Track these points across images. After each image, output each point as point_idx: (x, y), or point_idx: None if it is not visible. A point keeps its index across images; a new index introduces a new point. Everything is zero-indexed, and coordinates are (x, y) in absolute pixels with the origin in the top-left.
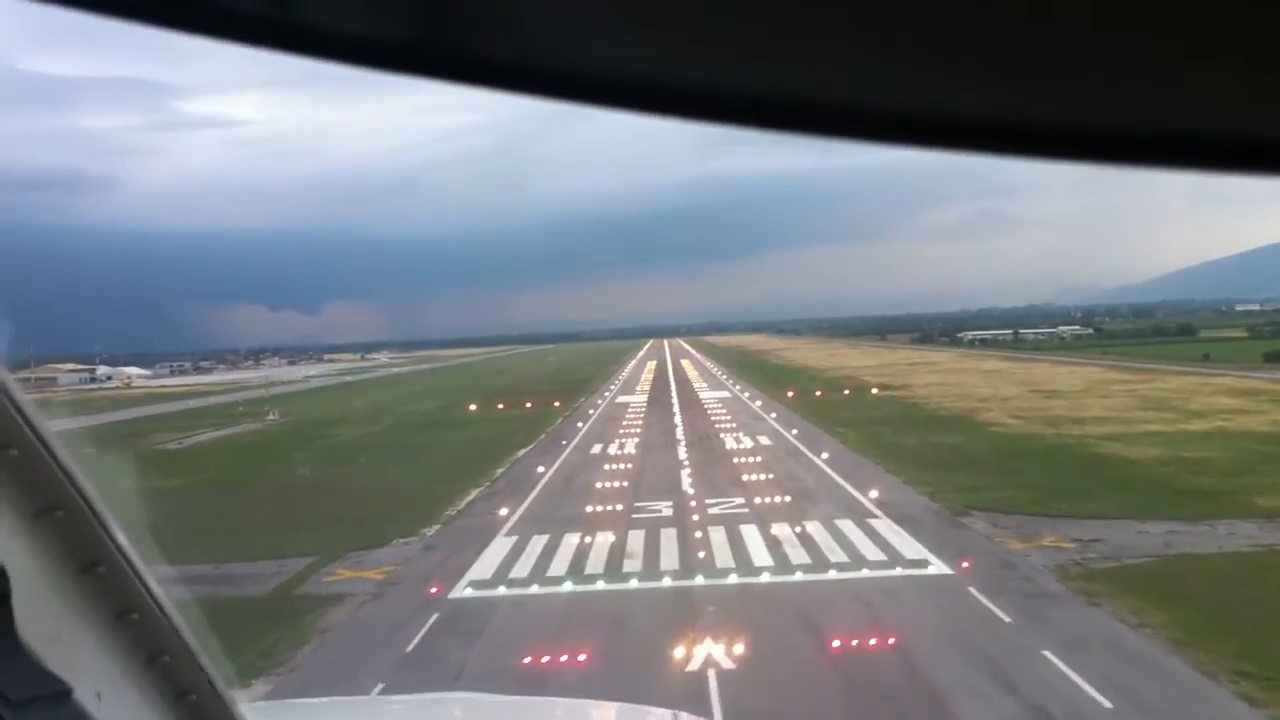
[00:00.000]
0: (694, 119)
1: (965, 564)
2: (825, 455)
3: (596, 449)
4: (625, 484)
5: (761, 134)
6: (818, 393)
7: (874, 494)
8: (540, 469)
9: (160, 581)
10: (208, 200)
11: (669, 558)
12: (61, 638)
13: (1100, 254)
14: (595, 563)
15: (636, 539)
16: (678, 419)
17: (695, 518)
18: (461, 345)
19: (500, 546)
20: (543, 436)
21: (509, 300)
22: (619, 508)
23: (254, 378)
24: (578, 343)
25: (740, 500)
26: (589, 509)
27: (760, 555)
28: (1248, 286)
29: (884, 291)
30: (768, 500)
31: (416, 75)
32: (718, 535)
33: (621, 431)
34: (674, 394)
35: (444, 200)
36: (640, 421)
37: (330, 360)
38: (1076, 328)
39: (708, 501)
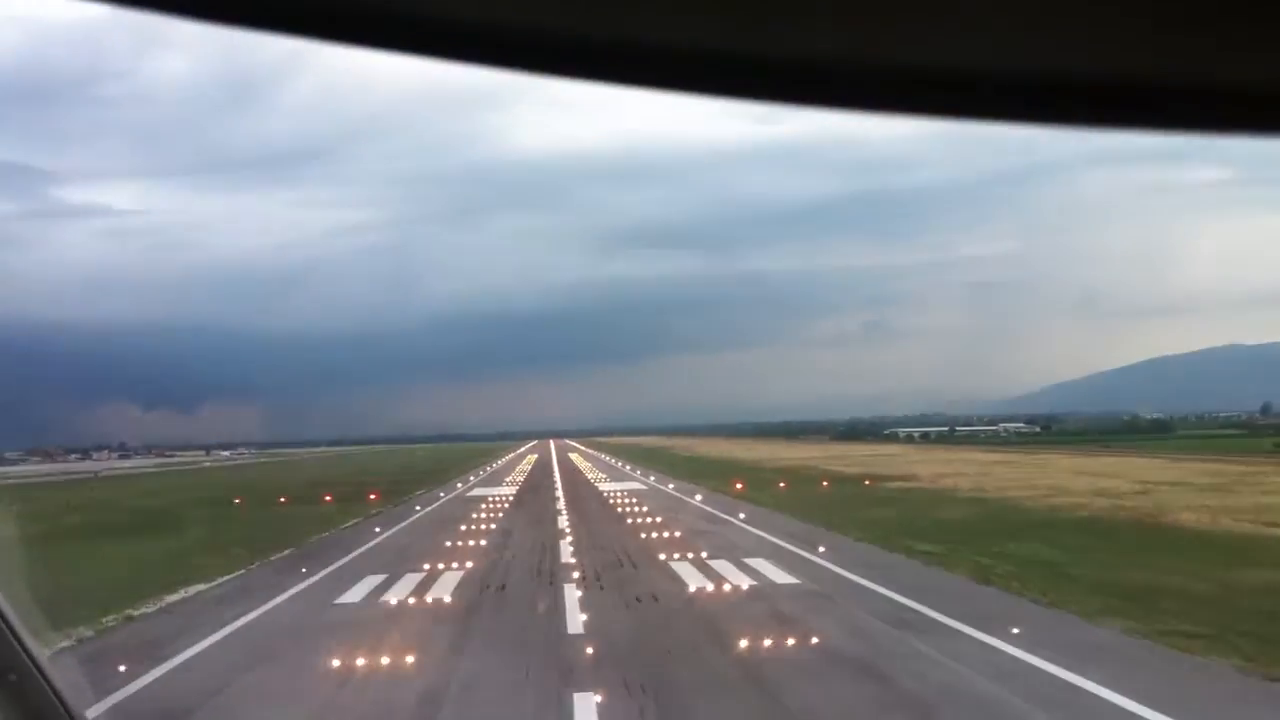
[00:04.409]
0: (676, 90)
1: None
2: (1012, 623)
3: (355, 593)
4: None
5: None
6: (781, 485)
7: None
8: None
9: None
10: (82, 292)
11: None
12: None
13: (984, 366)
14: None
15: None
16: (564, 521)
17: None
18: (341, 444)
19: None
20: (284, 553)
21: (395, 401)
22: None
23: (41, 470)
24: (460, 443)
25: None
26: None
27: None
28: (1131, 398)
29: (772, 399)
30: None
31: (382, 48)
32: None
33: (451, 545)
34: (559, 485)
35: (333, 298)
36: (496, 527)
37: (169, 455)
38: (1020, 425)
39: None
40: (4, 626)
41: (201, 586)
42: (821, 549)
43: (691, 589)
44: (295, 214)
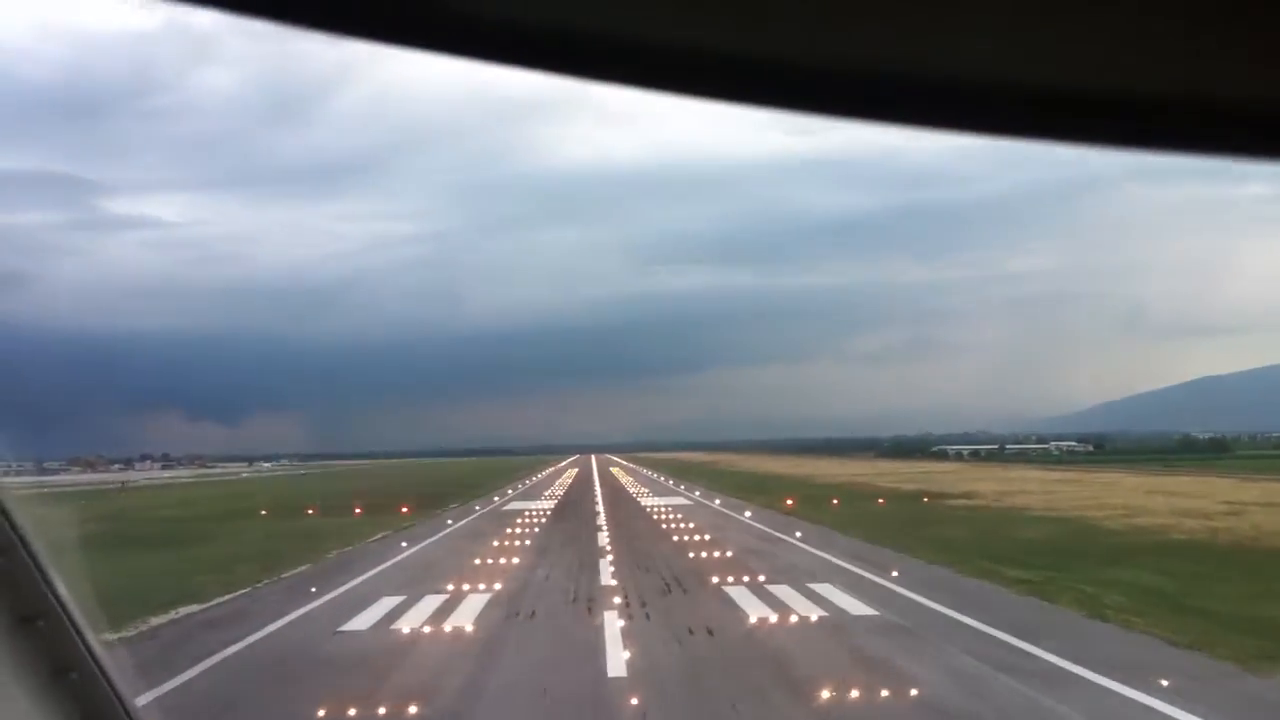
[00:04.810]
0: (698, 96)
1: None
2: None
3: (365, 618)
4: None
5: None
6: (834, 501)
7: None
8: None
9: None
10: (130, 302)
11: None
12: None
13: (1029, 384)
14: None
15: None
16: (605, 538)
17: None
18: (385, 457)
19: None
20: (297, 570)
21: (438, 414)
22: None
23: (76, 480)
24: (502, 457)
25: None
26: None
27: None
28: (1178, 418)
29: (814, 415)
30: None
31: (414, 47)
32: None
33: (480, 563)
34: (599, 499)
35: (376, 310)
36: (531, 544)
37: (210, 466)
38: (1072, 444)
39: None
40: (69, 624)
41: (195, 608)
42: (894, 573)
43: (752, 620)
44: (341, 226)
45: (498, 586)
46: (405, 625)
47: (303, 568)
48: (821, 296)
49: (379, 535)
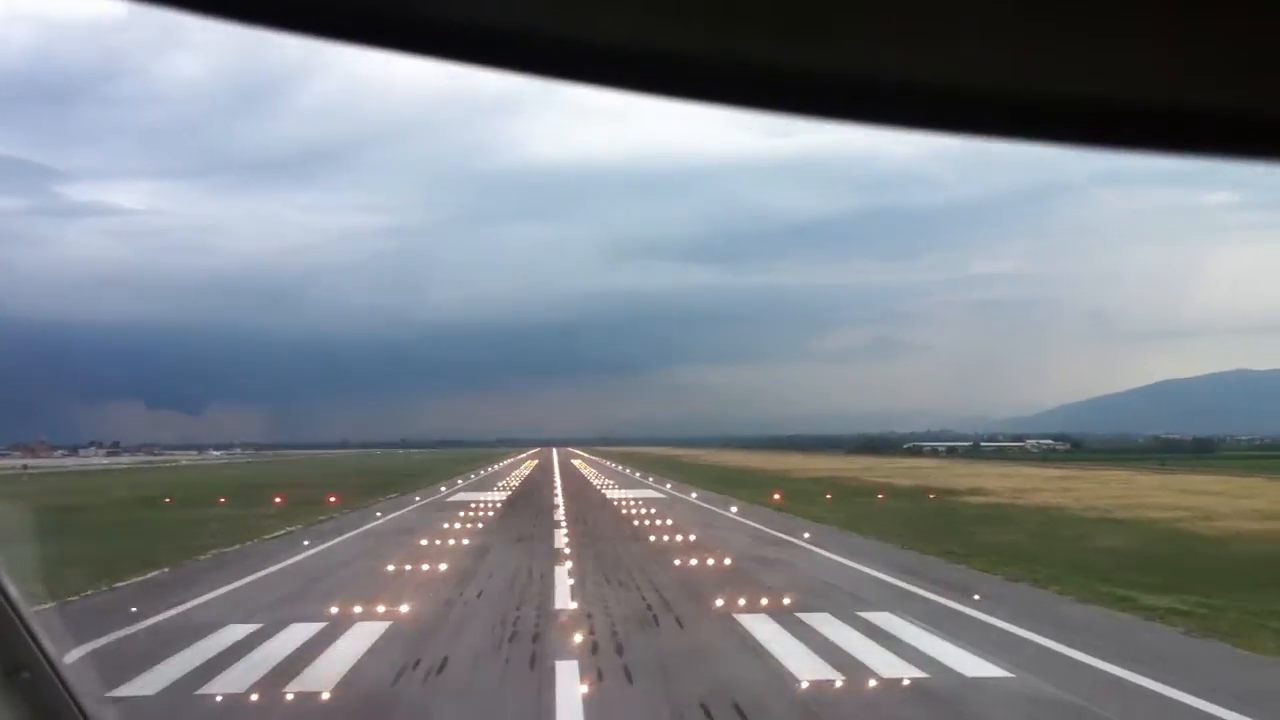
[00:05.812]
0: (678, 97)
1: None
2: None
3: (167, 669)
4: None
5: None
6: (827, 496)
7: None
8: None
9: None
10: (88, 290)
11: None
12: None
13: (991, 385)
14: None
15: None
16: (563, 538)
17: None
18: (344, 448)
19: None
20: (143, 577)
21: (402, 406)
22: None
23: None
24: (463, 448)
25: None
26: None
27: None
28: (1139, 420)
29: (779, 413)
30: None
31: (383, 47)
32: None
33: (394, 571)
34: (559, 491)
35: (342, 302)
36: (469, 543)
37: (157, 454)
38: (1048, 441)
39: None
40: (19, 623)
41: None
42: (975, 596)
43: (803, 684)
44: (306, 217)
45: (403, 609)
46: (220, 687)
47: (152, 574)
48: (788, 296)
49: (282, 530)
